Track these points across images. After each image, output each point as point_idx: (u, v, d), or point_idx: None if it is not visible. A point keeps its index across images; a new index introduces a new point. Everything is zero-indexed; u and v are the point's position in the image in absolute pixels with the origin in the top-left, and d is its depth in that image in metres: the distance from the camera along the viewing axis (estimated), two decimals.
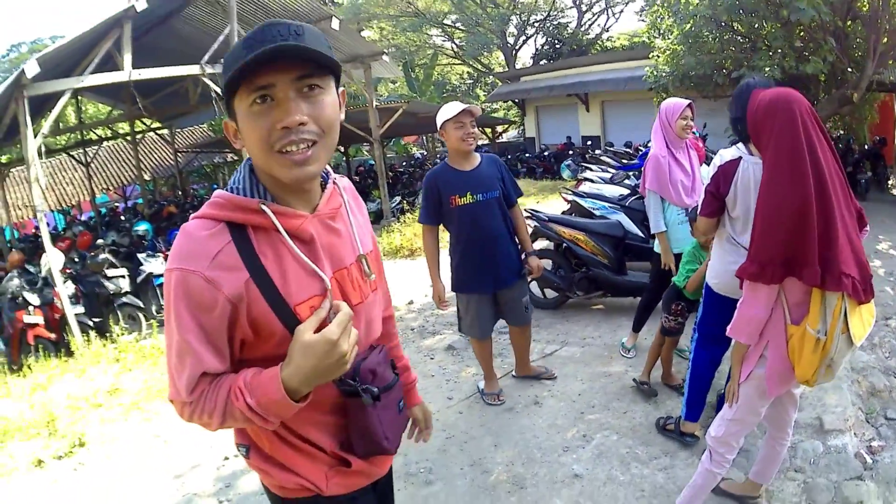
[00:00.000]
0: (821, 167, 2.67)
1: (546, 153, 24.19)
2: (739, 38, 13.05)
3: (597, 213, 8.19)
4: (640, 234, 7.49)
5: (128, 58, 10.66)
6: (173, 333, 1.60)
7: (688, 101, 5.14)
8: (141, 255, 10.72)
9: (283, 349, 1.60)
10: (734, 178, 3.44)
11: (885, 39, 11.79)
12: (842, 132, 16.56)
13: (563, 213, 8.95)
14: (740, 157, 3.48)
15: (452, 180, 4.75)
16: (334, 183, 1.85)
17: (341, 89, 1.71)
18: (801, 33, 11.74)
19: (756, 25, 12.29)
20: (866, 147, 15.96)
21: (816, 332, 2.70)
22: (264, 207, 1.62)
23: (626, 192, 9.05)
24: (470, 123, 4.66)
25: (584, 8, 37.75)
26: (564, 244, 7.32)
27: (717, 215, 3.62)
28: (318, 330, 1.57)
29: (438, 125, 4.73)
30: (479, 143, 5.07)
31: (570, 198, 8.99)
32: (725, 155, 3.56)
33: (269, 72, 1.50)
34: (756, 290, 2.80)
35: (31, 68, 8.92)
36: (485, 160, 4.88)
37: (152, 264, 10.45)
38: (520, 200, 5.15)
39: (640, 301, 5.94)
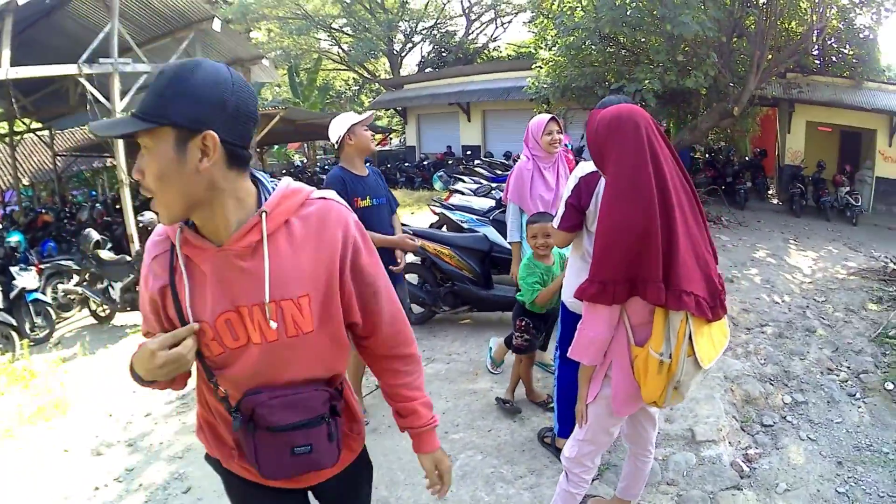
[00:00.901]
0: (665, 182, 2.64)
1: (426, 162, 24.55)
2: (623, 51, 13.36)
3: (465, 225, 8.30)
4: (507, 246, 7.58)
5: (6, 54, 10.28)
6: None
7: (550, 116, 5.30)
8: (13, 269, 10.16)
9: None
10: (595, 190, 3.41)
11: (770, 56, 12.30)
12: (723, 144, 17.27)
13: (432, 225, 9.06)
14: (596, 172, 3.44)
15: (354, 182, 4.83)
16: (261, 216, 1.80)
17: (202, 134, 1.64)
18: (685, 48, 12.08)
19: (640, 39, 12.63)
20: (747, 158, 16.78)
21: (660, 354, 2.67)
22: (179, 232, 1.82)
23: (493, 203, 9.20)
24: (370, 129, 4.97)
25: (472, 17, 38.13)
26: (429, 258, 7.35)
27: (576, 229, 3.59)
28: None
29: (344, 129, 4.82)
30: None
31: (439, 210, 9.10)
32: (586, 167, 3.49)
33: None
34: (596, 310, 2.74)
35: None
36: (371, 170, 5.02)
37: (25, 278, 9.92)
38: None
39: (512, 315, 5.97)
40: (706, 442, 4.62)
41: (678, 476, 4.32)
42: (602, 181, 3.34)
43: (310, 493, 2.32)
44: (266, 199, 1.85)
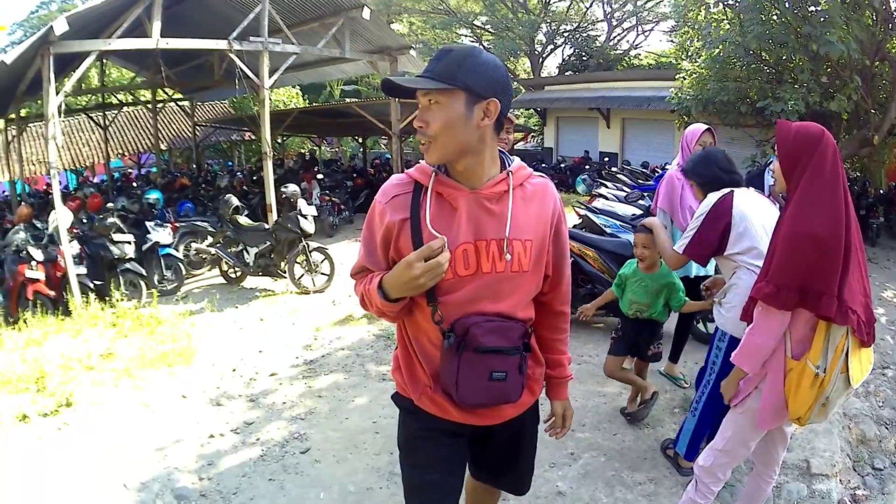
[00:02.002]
0: (849, 205, 2.68)
1: (563, 165, 24.06)
2: (766, 68, 12.94)
3: (608, 230, 8.11)
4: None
5: (157, 25, 10.57)
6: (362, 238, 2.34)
7: (706, 127, 5.22)
8: (149, 224, 10.61)
9: None
10: (731, 213, 3.55)
11: None
12: (858, 174, 16.42)
13: (574, 227, 8.82)
14: (731, 191, 3.63)
15: None
16: (509, 174, 2.21)
17: (488, 100, 2.08)
18: (829, 69, 11.65)
19: (784, 57, 12.20)
20: (881, 191, 15.81)
21: (816, 367, 2.69)
22: (433, 175, 2.18)
23: (639, 212, 8.98)
24: (506, 130, 4.63)
25: (614, 23, 37.58)
26: (572, 258, 7.17)
27: (702, 259, 3.76)
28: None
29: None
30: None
31: (583, 212, 8.93)
32: (712, 198, 3.67)
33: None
34: (770, 317, 2.78)
35: (60, 26, 8.85)
36: None
37: (159, 234, 10.35)
38: None
39: (675, 328, 5.84)
40: (819, 475, 4.47)
41: None
42: (735, 200, 3.57)
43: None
44: (510, 165, 2.26)
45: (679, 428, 4.32)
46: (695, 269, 5.34)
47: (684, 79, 14.52)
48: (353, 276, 2.37)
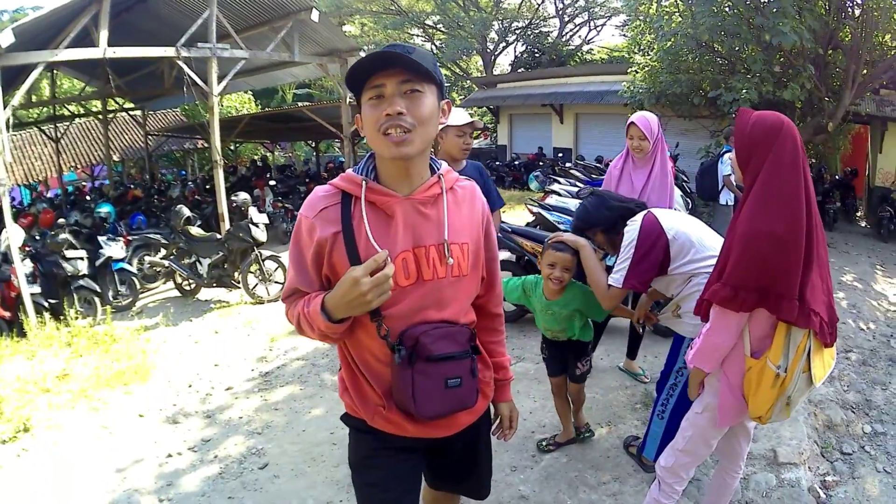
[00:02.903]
0: (811, 201, 2.61)
1: (517, 162, 24.07)
2: (719, 59, 13.10)
3: (561, 227, 8.08)
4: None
5: (104, 34, 10.47)
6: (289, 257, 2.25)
7: (630, 121, 5.14)
8: (101, 238, 10.43)
9: None
10: (663, 229, 3.46)
11: (865, 70, 11.89)
12: (813, 161, 16.65)
13: (528, 224, 8.85)
14: (649, 212, 3.58)
15: None
16: (440, 177, 2.22)
17: (445, 101, 2.18)
18: (781, 59, 11.82)
19: (737, 48, 12.32)
20: (837, 177, 16.07)
21: (777, 367, 2.63)
22: (363, 183, 2.12)
23: None
24: (469, 135, 4.74)
25: (566, 19, 37.56)
26: (526, 256, 7.27)
27: (644, 288, 3.60)
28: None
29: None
30: None
31: (536, 210, 8.89)
32: (633, 227, 3.55)
33: (381, 76, 2.01)
34: (725, 317, 2.71)
35: (6, 38, 8.71)
36: (469, 167, 4.85)
37: (112, 248, 10.18)
38: None
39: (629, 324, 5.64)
40: (787, 464, 4.50)
41: (757, 496, 4.22)
42: (659, 217, 3.50)
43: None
44: (438, 168, 2.26)
45: (645, 431, 4.24)
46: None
47: (637, 72, 14.66)
48: (284, 301, 2.28)
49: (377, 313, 2.10)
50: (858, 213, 16.48)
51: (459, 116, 4.68)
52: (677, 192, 7.22)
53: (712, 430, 3.09)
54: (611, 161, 5.78)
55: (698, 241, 3.45)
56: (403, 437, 2.31)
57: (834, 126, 12.40)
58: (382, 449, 2.35)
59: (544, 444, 4.76)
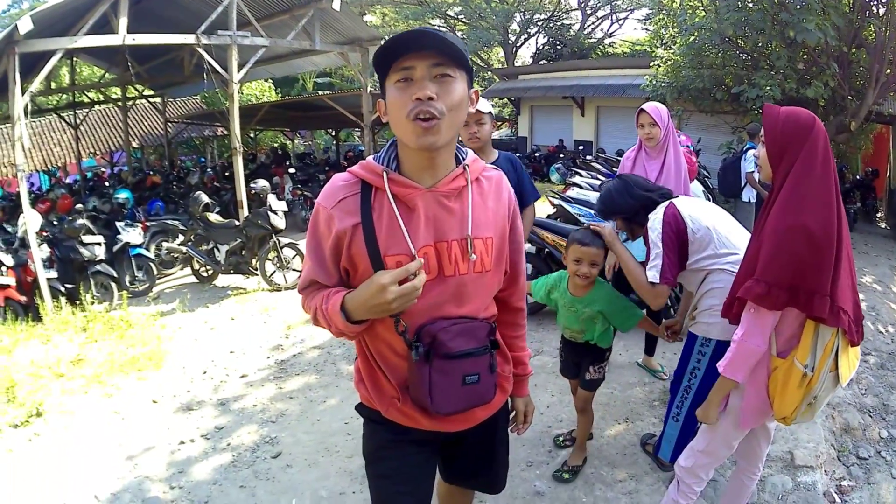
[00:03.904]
0: (839, 198, 2.58)
1: (537, 154, 23.97)
2: (742, 54, 12.94)
3: (582, 219, 8.01)
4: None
5: (123, 21, 10.45)
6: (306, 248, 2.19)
7: (640, 108, 5.07)
8: (119, 224, 10.52)
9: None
10: (684, 221, 3.36)
11: (889, 70, 11.72)
12: (835, 160, 16.50)
13: (549, 216, 8.78)
14: (671, 202, 3.47)
15: None
16: (465, 168, 2.13)
17: (474, 89, 2.07)
18: (805, 56, 11.67)
19: (760, 44, 12.19)
20: (858, 177, 15.93)
21: (804, 366, 2.60)
22: (385, 174, 2.04)
23: None
24: (476, 123, 4.42)
25: (588, 11, 37.39)
26: (546, 249, 7.19)
27: (674, 282, 3.45)
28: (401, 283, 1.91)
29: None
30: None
31: (557, 202, 8.87)
32: (656, 217, 3.45)
33: (411, 58, 1.90)
34: (761, 318, 2.64)
35: (25, 25, 8.73)
36: (501, 158, 4.64)
37: (129, 234, 10.23)
38: None
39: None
40: (804, 467, 4.44)
41: (773, 499, 4.17)
42: (679, 206, 3.43)
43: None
44: (463, 159, 2.17)
45: (661, 433, 4.11)
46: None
47: (659, 66, 14.49)
48: (301, 292, 2.23)
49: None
50: (879, 214, 16.33)
51: (485, 104, 4.51)
52: (699, 187, 7.10)
53: (734, 432, 3.05)
54: None
55: (721, 236, 3.34)
56: (418, 429, 2.26)
57: (857, 125, 12.26)
58: (396, 441, 2.32)
59: (561, 439, 4.71)
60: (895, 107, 14.08)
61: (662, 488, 4.07)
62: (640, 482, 4.24)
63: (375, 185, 2.05)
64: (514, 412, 2.64)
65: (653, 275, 3.38)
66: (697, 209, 3.45)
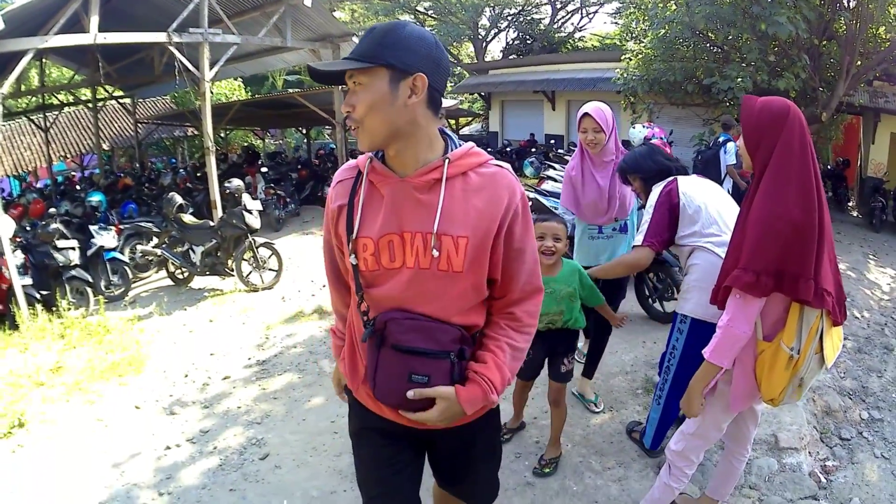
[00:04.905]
0: (819, 183, 2.63)
1: (508, 149, 23.90)
2: (713, 47, 13.10)
3: (557, 212, 8.07)
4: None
5: (94, 20, 10.32)
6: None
7: (583, 111, 4.67)
8: (93, 228, 10.36)
9: (344, 264, 2.22)
10: (679, 196, 3.55)
11: (859, 62, 11.90)
12: None
13: None
14: (675, 178, 3.65)
15: None
16: (445, 161, 2.07)
17: (414, 76, 1.96)
18: (776, 48, 11.81)
19: (731, 37, 12.34)
20: (829, 167, 16.17)
21: (790, 348, 2.65)
22: (367, 162, 2.14)
23: None
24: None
25: (558, 5, 37.43)
26: None
27: (667, 245, 3.66)
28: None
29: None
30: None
31: (533, 195, 8.89)
32: (658, 189, 3.68)
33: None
34: (747, 304, 2.68)
35: None
36: None
37: (104, 237, 10.11)
38: None
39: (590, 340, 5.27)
40: (788, 449, 4.53)
41: (760, 481, 4.25)
42: (679, 184, 3.60)
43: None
44: (453, 150, 2.12)
45: (646, 418, 4.28)
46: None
47: (630, 59, 14.62)
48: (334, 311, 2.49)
49: (360, 287, 2.13)
50: (850, 203, 16.59)
51: None
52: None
53: (724, 415, 3.13)
54: None
55: (711, 215, 3.48)
56: (384, 419, 2.26)
57: (828, 116, 12.46)
58: (367, 428, 2.37)
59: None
60: (865, 98, 14.31)
61: (651, 474, 4.15)
62: (628, 469, 4.30)
63: (363, 172, 2.15)
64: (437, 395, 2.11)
65: (639, 238, 3.61)
66: (695, 188, 3.60)
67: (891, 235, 13.33)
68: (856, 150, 17.85)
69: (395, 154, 2.06)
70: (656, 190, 3.69)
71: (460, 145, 2.15)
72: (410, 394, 2.04)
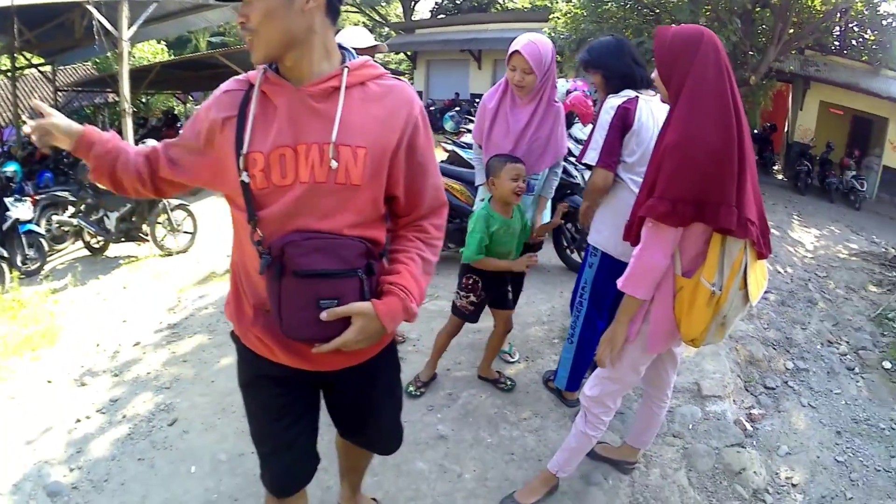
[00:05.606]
0: (739, 108, 2.55)
1: (432, 108, 24.04)
2: (644, 8, 13.15)
3: (476, 164, 8.12)
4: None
5: None
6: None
7: (514, 48, 3.89)
8: (8, 200, 10.00)
9: (229, 185, 2.03)
10: (633, 122, 3.41)
11: (791, 30, 12.12)
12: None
13: (442, 162, 8.75)
14: (637, 97, 3.46)
15: None
16: (344, 69, 1.98)
17: None
18: (708, 11, 11.92)
19: None
20: (756, 132, 16.55)
21: (712, 284, 2.57)
22: (261, 72, 2.00)
23: None
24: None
25: None
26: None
27: (616, 166, 3.50)
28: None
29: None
30: None
31: (451, 147, 8.97)
32: (615, 101, 3.50)
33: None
34: (661, 233, 2.59)
35: None
36: None
37: (19, 209, 9.80)
38: None
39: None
40: (712, 397, 4.59)
41: (684, 429, 4.28)
42: (639, 107, 3.43)
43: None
44: (350, 59, 2.05)
45: (559, 359, 4.25)
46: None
47: (558, 19, 14.63)
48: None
49: (252, 215, 1.95)
50: (776, 167, 17.02)
51: (362, 38, 4.33)
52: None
53: (641, 357, 3.00)
54: None
55: (648, 151, 3.28)
56: (277, 364, 2.13)
57: (756, 80, 12.64)
58: (258, 377, 2.23)
59: (412, 389, 4.57)
60: (797, 65, 14.61)
61: (569, 423, 4.07)
62: (545, 419, 4.28)
63: (257, 84, 2.01)
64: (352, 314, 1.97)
65: (592, 157, 3.51)
66: (652, 118, 3.48)
67: (815, 198, 13.76)
68: (784, 116, 18.29)
69: (291, 65, 1.95)
70: (612, 102, 3.52)
71: (355, 57, 2.08)
72: (324, 315, 1.89)
